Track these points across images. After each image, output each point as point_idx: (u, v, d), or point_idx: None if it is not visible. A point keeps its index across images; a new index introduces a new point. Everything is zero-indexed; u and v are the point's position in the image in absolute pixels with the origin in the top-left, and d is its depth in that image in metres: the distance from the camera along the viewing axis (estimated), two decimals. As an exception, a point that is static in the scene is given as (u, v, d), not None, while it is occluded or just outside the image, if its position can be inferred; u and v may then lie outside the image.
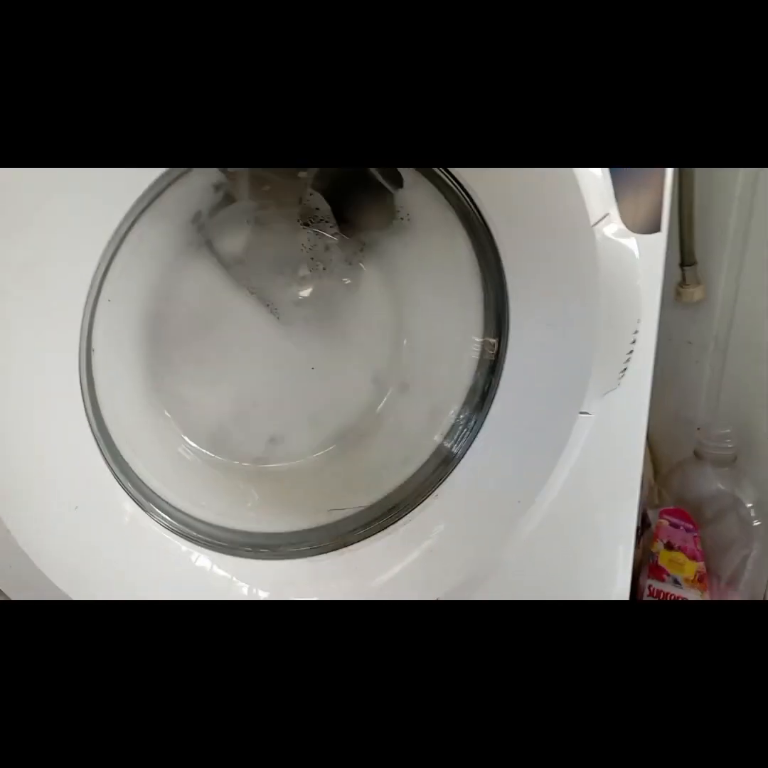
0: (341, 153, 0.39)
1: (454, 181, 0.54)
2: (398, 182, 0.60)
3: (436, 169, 0.55)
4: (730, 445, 0.81)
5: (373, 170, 0.60)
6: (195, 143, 0.38)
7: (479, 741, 0.36)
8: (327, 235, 0.65)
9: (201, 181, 0.56)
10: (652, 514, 0.84)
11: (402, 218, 0.63)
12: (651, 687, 0.38)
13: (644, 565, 0.85)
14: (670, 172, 0.60)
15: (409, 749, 0.36)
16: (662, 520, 0.82)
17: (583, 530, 0.64)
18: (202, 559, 0.52)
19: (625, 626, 0.40)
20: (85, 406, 0.47)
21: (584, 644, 0.39)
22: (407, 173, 0.59)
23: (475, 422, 0.62)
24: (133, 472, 0.54)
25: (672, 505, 0.83)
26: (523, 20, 0.39)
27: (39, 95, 0.36)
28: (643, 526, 0.85)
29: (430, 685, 0.38)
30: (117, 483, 0.49)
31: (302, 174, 0.62)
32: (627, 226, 0.55)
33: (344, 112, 0.38)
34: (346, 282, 0.67)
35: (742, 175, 0.79)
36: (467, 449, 0.61)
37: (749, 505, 0.81)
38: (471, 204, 0.55)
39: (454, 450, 0.63)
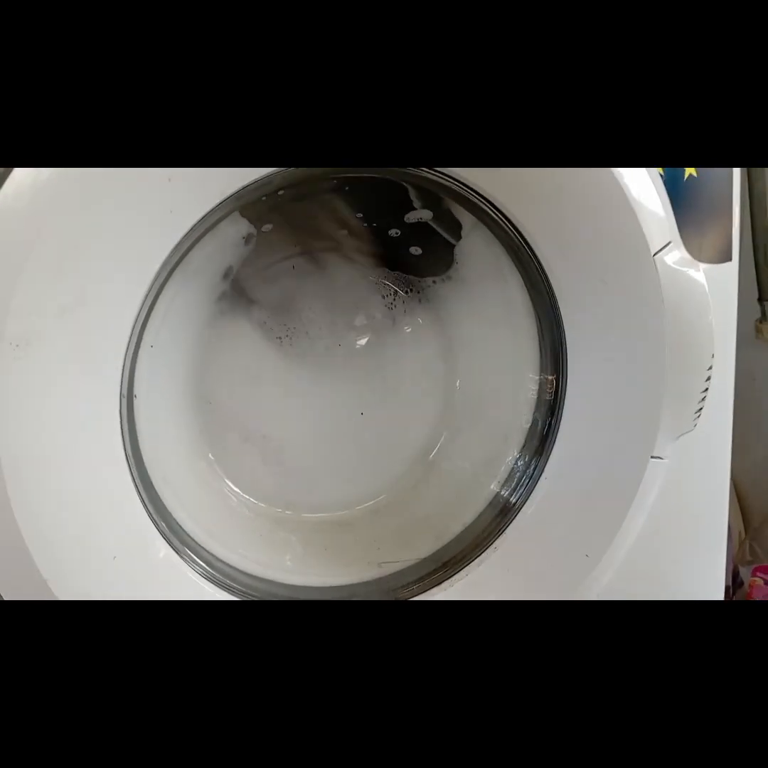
0: (369, 155, 0.39)
1: (500, 215, 0.53)
2: (458, 234, 0.60)
3: (483, 205, 0.53)
4: (830, 495, 0.74)
5: (434, 224, 0.60)
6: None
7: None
8: (389, 284, 0.65)
9: (230, 233, 0.56)
10: (744, 572, 0.78)
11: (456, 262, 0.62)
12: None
13: (738, 630, 0.77)
14: (736, 196, 0.57)
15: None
16: (756, 579, 0.76)
17: (662, 589, 0.59)
18: (239, 612, 0.50)
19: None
20: (125, 452, 0.47)
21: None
22: (465, 220, 0.58)
23: (534, 468, 0.58)
24: (172, 517, 0.53)
25: (767, 561, 0.76)
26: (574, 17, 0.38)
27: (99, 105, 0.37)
28: (734, 585, 0.78)
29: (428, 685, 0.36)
30: (156, 530, 0.48)
31: (342, 232, 0.61)
32: (693, 256, 0.52)
33: (371, 115, 0.38)
34: (408, 330, 0.66)
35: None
36: (527, 498, 0.57)
37: None
38: (520, 238, 0.53)
39: (513, 499, 0.59)
